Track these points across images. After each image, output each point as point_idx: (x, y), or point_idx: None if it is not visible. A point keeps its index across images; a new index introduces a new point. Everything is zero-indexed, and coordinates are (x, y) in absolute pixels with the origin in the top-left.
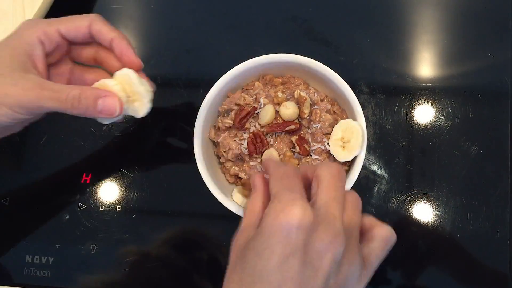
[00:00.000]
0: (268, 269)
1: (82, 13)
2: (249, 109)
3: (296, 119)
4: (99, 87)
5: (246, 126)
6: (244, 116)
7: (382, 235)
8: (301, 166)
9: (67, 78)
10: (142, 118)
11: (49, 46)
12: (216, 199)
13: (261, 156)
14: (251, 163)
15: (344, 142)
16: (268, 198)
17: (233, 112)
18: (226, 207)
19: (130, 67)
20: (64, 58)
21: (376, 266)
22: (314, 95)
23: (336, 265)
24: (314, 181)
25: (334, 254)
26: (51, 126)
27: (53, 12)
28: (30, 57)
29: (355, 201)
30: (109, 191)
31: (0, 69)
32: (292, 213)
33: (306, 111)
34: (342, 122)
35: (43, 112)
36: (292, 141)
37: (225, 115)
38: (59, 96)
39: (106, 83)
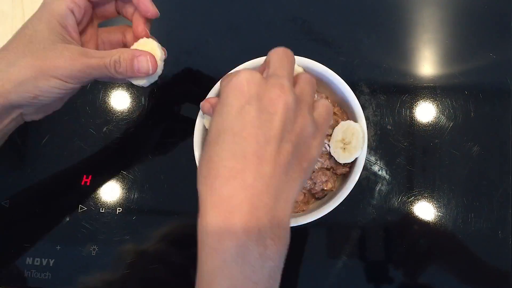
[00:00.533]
0: (229, 119)
1: None
2: None
3: None
4: (137, 48)
5: None
6: None
7: (324, 104)
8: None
9: (95, 43)
10: (142, 119)
11: (79, 14)
12: None
13: None
14: None
15: (344, 144)
16: None
17: None
18: None
19: (145, 15)
20: (90, 24)
21: (326, 129)
22: (315, 96)
23: (291, 113)
24: (266, 65)
25: (286, 101)
26: (52, 127)
27: None
28: (65, 28)
29: (307, 77)
30: (109, 193)
31: (42, 43)
32: (241, 74)
33: None
34: (342, 124)
35: (90, 81)
36: None
37: None
38: (104, 61)
39: (144, 42)
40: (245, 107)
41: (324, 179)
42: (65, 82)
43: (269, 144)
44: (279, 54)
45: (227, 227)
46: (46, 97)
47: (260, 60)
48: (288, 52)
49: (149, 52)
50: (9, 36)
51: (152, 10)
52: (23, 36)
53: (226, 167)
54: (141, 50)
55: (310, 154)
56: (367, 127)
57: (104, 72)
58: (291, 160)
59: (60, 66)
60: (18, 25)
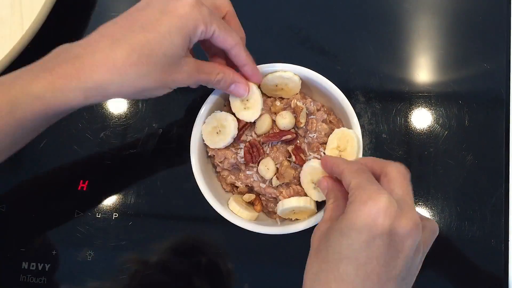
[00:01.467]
0: (355, 248)
1: (80, 22)
2: (245, 122)
3: (293, 128)
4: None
5: (242, 138)
6: (240, 129)
7: (431, 227)
8: (367, 161)
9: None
10: (139, 124)
11: (201, 37)
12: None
13: (257, 165)
14: (248, 172)
15: (340, 151)
16: (342, 195)
17: None
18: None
19: (250, 80)
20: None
21: (426, 252)
22: (311, 104)
23: (414, 252)
24: (384, 177)
25: (414, 240)
26: (49, 132)
27: (50, 20)
28: (190, 41)
29: (434, 227)
30: (105, 198)
31: (173, 58)
32: (380, 200)
33: (303, 120)
34: (336, 131)
35: None
36: (288, 150)
37: None
38: (210, 78)
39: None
40: (375, 240)
41: None
42: (172, 89)
43: (389, 282)
44: (403, 174)
45: None
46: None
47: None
48: (408, 173)
49: (247, 82)
50: (7, 41)
51: (257, 78)
52: (159, 48)
53: None
54: (241, 77)
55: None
56: (363, 135)
57: (205, 84)
58: None
59: (179, 80)
60: (17, 30)
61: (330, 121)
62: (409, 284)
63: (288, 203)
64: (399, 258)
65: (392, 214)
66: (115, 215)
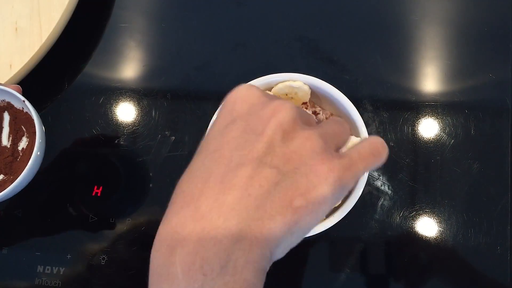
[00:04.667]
0: (208, 138)
1: (96, 33)
2: None
3: None
4: None
5: None
6: None
7: (371, 140)
8: None
9: None
10: (152, 132)
11: None
12: None
13: None
14: None
15: None
16: None
17: None
18: None
19: None
20: None
21: (359, 166)
22: (320, 113)
23: (283, 132)
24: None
25: (279, 119)
26: (64, 139)
27: (69, 30)
28: None
29: (338, 119)
30: (119, 204)
31: None
32: (239, 89)
33: None
34: None
35: None
36: None
37: None
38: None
39: None
40: (228, 125)
41: None
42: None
43: (241, 167)
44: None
45: (167, 269)
46: None
47: (267, 78)
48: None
49: None
50: (26, 51)
51: None
52: None
53: (183, 192)
54: None
55: (310, 188)
56: None
57: None
58: (273, 192)
59: None
60: (36, 41)
61: None
62: (300, 188)
63: None
64: (258, 141)
65: (250, 100)
66: (129, 220)
